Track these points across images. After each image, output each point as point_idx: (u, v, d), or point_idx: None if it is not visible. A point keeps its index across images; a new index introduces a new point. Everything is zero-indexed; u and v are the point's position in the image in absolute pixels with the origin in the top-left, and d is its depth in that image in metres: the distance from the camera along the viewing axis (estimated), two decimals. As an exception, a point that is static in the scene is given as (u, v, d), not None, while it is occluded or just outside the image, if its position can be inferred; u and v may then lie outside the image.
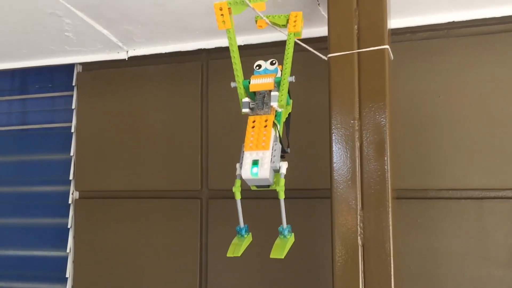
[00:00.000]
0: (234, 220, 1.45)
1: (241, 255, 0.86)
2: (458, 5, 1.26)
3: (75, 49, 1.55)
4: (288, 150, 0.87)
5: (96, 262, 1.65)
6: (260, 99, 0.87)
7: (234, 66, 0.91)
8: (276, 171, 0.82)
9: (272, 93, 0.85)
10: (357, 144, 0.98)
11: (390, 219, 0.95)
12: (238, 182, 0.84)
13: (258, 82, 0.87)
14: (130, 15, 1.31)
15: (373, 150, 0.96)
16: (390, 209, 0.95)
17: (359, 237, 0.96)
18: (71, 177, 1.71)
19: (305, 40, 1.39)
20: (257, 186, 0.84)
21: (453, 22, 1.31)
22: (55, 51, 1.57)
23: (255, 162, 0.79)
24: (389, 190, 0.95)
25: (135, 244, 1.61)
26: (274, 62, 0.91)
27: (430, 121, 1.34)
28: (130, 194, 1.64)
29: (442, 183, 1.33)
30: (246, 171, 0.79)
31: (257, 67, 0.91)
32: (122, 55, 1.57)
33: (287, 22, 0.92)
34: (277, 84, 0.88)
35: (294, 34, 0.91)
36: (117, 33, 1.43)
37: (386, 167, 0.96)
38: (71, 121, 1.73)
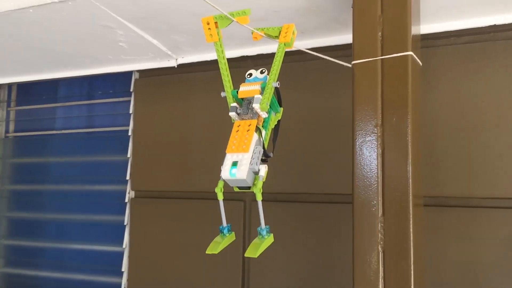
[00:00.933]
0: (276, 222, 1.50)
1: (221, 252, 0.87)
2: (503, 8, 1.22)
3: (130, 57, 1.66)
4: (271, 154, 0.88)
5: (149, 257, 1.75)
6: (246, 104, 0.89)
7: (223, 77, 0.93)
8: (256, 174, 0.84)
9: (256, 96, 0.87)
10: (379, 150, 0.98)
11: (411, 226, 0.94)
12: (220, 183, 0.86)
13: (245, 89, 0.89)
14: (175, 25, 1.39)
15: (395, 156, 0.96)
16: (411, 216, 0.94)
17: (379, 243, 0.96)
18: (127, 177, 1.82)
19: (331, 48, 1.42)
20: (239, 188, 0.85)
21: (498, 25, 1.27)
22: (112, 60, 1.69)
23: (234, 163, 0.81)
24: (411, 197, 0.94)
25: (184, 241, 1.69)
26: (263, 71, 0.93)
27: (474, 127, 1.30)
28: (181, 194, 1.72)
29: (487, 191, 1.28)
30: (226, 171, 0.81)
31: (248, 76, 0.94)
32: (172, 63, 1.66)
33: (280, 33, 0.94)
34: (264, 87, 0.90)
35: (284, 44, 0.93)
36: (166, 42, 1.52)
37: (407, 174, 0.95)
38: (128, 125, 1.85)
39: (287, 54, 1.51)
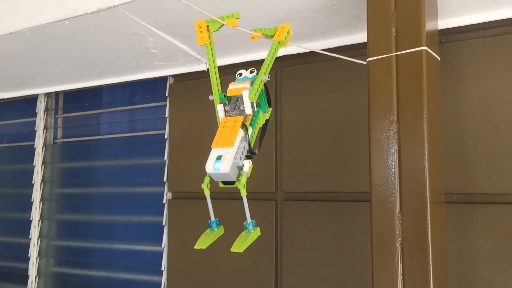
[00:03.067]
0: (309, 221, 1.52)
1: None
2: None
3: (163, 63, 1.72)
4: (257, 151, 0.90)
5: (187, 257, 1.80)
6: (234, 102, 0.91)
7: (211, 79, 0.95)
8: (240, 169, 0.85)
9: (244, 91, 0.89)
10: (395, 147, 0.98)
11: (429, 222, 0.93)
12: (207, 179, 0.88)
13: (234, 87, 0.92)
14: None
15: (411, 152, 0.96)
16: (428, 212, 0.94)
17: (397, 240, 0.96)
18: (165, 179, 1.88)
19: (353, 46, 1.42)
20: (223, 183, 0.86)
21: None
22: (146, 66, 1.76)
23: (218, 157, 0.82)
24: (428, 193, 0.94)
25: (218, 240, 1.72)
26: (253, 70, 0.94)
27: (505, 121, 1.26)
28: (215, 195, 1.76)
29: (521, 187, 1.24)
30: (209, 165, 0.83)
31: (238, 75, 0.95)
32: (202, 67, 1.71)
33: (275, 33, 0.96)
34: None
35: (279, 42, 0.94)
36: (194, 47, 1.57)
37: (424, 169, 0.94)
38: (165, 129, 1.91)
39: (310, 55, 1.56)
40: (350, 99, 1.48)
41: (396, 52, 0.99)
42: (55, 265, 2.24)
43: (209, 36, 0.96)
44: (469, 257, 1.27)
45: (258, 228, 0.88)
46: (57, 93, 2.33)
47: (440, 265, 0.97)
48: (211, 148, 0.86)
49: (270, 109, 0.96)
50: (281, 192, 1.61)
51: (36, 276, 2.24)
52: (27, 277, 2.25)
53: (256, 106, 0.91)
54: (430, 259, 0.92)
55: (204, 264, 1.75)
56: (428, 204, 0.94)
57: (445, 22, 1.28)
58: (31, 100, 2.35)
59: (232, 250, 0.84)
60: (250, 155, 0.88)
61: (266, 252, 1.61)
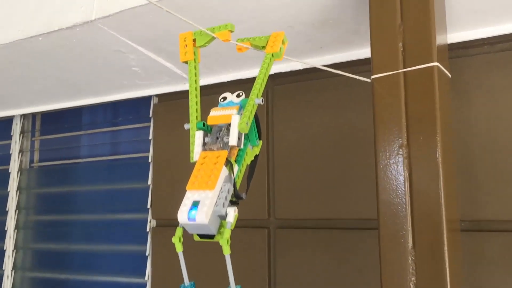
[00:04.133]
0: (304, 251, 1.40)
1: None
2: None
3: (145, 82, 1.61)
4: (244, 196, 0.71)
5: (172, 290, 1.67)
6: (216, 132, 0.74)
7: (190, 103, 0.79)
8: (223, 218, 0.67)
9: (233, 116, 0.73)
10: (406, 173, 0.88)
11: (447, 258, 0.83)
12: (179, 231, 0.70)
13: (216, 114, 0.75)
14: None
15: (424, 180, 0.86)
16: (446, 247, 0.83)
17: (411, 280, 0.85)
18: (148, 205, 1.76)
19: (352, 63, 1.33)
20: (200, 236, 0.68)
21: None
22: (127, 85, 1.65)
23: (195, 203, 0.64)
24: (444, 224, 0.83)
25: (205, 272, 1.60)
26: (240, 94, 0.78)
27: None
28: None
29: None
30: (183, 214, 0.65)
31: (222, 99, 0.79)
32: (188, 86, 1.60)
33: (267, 43, 0.81)
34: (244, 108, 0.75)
35: (272, 55, 0.79)
36: (180, 65, 1.46)
37: (440, 199, 0.84)
38: (149, 151, 1.79)
39: (304, 72, 1.46)
40: (347, 119, 1.38)
41: (404, 68, 0.89)
42: (30, 299, 2.08)
43: (194, 52, 0.82)
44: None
45: None
46: (34, 114, 2.19)
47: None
48: (185, 190, 0.68)
49: (261, 142, 0.79)
50: (274, 219, 1.50)
51: (9, 311, 2.08)
52: (0, 312, 2.10)
53: (244, 138, 0.74)
54: (449, 301, 0.82)
55: (191, 297, 1.62)
56: (445, 237, 0.83)
57: (449, 37, 1.19)
58: (6, 122, 2.21)
59: None
60: (235, 200, 0.70)
61: (258, 285, 1.49)
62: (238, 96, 0.78)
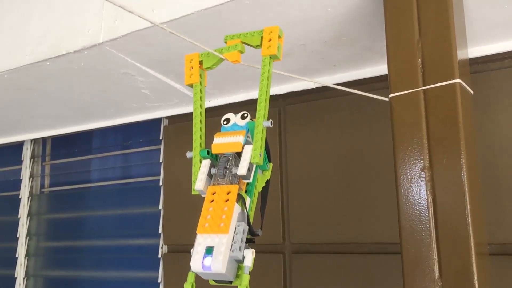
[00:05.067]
0: (321, 276, 1.34)
1: None
2: None
3: (155, 104, 1.58)
4: (260, 232, 0.65)
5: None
6: (223, 163, 0.67)
7: (194, 129, 0.72)
8: (240, 262, 0.61)
9: (245, 150, 0.65)
10: (430, 198, 0.82)
11: (477, 286, 0.77)
12: (191, 277, 0.63)
13: (221, 142, 0.68)
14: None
15: (450, 205, 0.80)
16: (475, 275, 0.77)
17: (438, 312, 0.79)
18: (160, 231, 1.71)
19: (367, 80, 1.28)
20: (216, 281, 0.62)
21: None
22: (137, 108, 1.62)
23: (209, 250, 0.59)
24: (473, 251, 0.77)
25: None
26: (245, 115, 0.71)
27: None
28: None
29: None
30: (197, 262, 0.59)
31: (225, 122, 0.72)
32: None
33: (262, 43, 0.71)
34: (251, 131, 0.68)
35: (270, 58, 0.69)
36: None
37: (467, 225, 0.78)
38: (159, 174, 1.76)
39: (317, 91, 1.41)
40: (363, 139, 1.33)
41: (424, 86, 0.84)
42: (41, 328, 2.04)
43: (200, 75, 0.76)
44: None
45: None
46: (44, 139, 2.18)
47: None
48: (197, 215, 0.62)
49: (271, 165, 0.72)
50: (289, 243, 1.44)
51: None
52: None
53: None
54: (481, 336, 0.75)
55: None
56: (474, 265, 0.77)
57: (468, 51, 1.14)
58: (16, 147, 2.19)
59: None
60: (251, 238, 0.64)
61: (274, 312, 1.43)
62: (242, 117, 0.71)
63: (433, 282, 0.80)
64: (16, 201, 2.14)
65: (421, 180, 0.83)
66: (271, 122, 0.67)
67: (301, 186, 1.43)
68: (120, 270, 1.85)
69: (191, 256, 0.61)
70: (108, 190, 1.98)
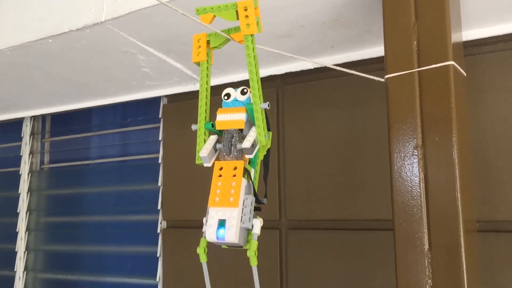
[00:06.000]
0: (316, 252, 1.39)
1: None
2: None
3: (155, 83, 1.61)
4: (265, 201, 0.72)
5: (183, 291, 1.67)
6: (228, 139, 0.71)
7: (199, 103, 0.77)
8: (249, 230, 0.68)
9: (248, 136, 0.70)
10: (421, 175, 0.86)
11: (464, 261, 0.81)
12: (203, 242, 0.70)
13: (225, 119, 0.72)
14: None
15: (440, 181, 0.84)
16: (463, 249, 0.81)
17: (427, 282, 0.84)
18: (159, 207, 1.75)
19: (365, 61, 1.31)
20: (228, 246, 0.70)
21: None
22: (137, 86, 1.64)
23: (221, 223, 0.66)
24: (461, 226, 0.82)
25: (217, 273, 1.59)
26: (246, 90, 0.74)
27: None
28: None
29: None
30: (211, 233, 0.66)
31: (225, 97, 0.75)
32: (198, 87, 1.59)
33: (239, 20, 0.71)
34: (250, 113, 0.72)
35: (252, 37, 0.71)
36: (190, 65, 1.46)
37: (456, 201, 0.83)
38: (159, 152, 1.79)
39: (315, 71, 1.44)
40: (360, 118, 1.36)
41: (419, 67, 0.87)
42: (42, 300, 2.09)
43: (207, 53, 0.79)
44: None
45: None
46: (43, 116, 2.20)
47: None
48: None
49: (271, 134, 0.75)
50: (286, 220, 1.49)
51: (21, 312, 2.09)
52: (12, 313, 2.10)
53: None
54: (467, 305, 0.80)
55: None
56: (462, 239, 0.82)
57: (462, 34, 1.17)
58: (16, 124, 2.22)
59: None
60: (258, 206, 0.71)
61: (270, 286, 1.47)
62: (242, 92, 0.74)
63: (423, 254, 0.84)
64: (16, 177, 2.18)
65: (414, 158, 0.87)
66: (268, 104, 0.71)
67: (298, 164, 1.47)
68: (120, 245, 1.89)
69: (203, 225, 0.68)
70: (107, 167, 2.02)
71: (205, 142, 0.75)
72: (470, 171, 0.93)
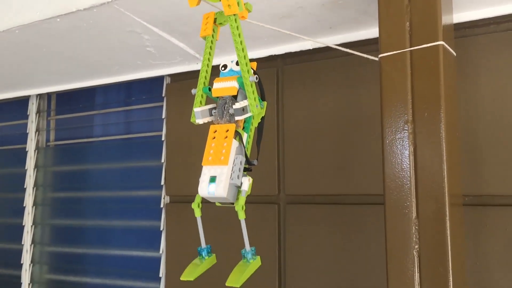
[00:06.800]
0: (313, 226, 1.46)
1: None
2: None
3: (159, 62, 1.65)
4: (256, 162, 0.77)
5: (186, 262, 1.72)
6: (221, 105, 0.78)
7: (200, 72, 0.85)
8: (239, 187, 0.74)
9: (238, 105, 0.76)
10: (411, 148, 0.92)
11: (449, 228, 0.88)
12: (198, 198, 0.78)
13: (220, 86, 0.80)
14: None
15: (428, 154, 0.90)
16: (448, 217, 0.88)
17: (414, 247, 0.90)
18: (162, 183, 1.82)
19: (362, 42, 1.36)
20: (221, 202, 0.76)
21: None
22: (141, 65, 1.69)
23: (212, 179, 0.72)
24: (447, 196, 0.88)
25: (217, 246, 1.66)
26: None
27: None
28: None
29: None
30: (203, 189, 0.72)
31: (223, 68, 0.84)
32: (200, 66, 1.64)
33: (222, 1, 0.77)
34: (242, 86, 0.79)
35: (235, 16, 0.77)
36: (193, 45, 1.50)
37: (443, 172, 0.89)
38: (162, 130, 1.85)
39: (314, 52, 1.49)
40: (356, 97, 1.42)
41: (411, 47, 0.92)
42: (49, 272, 2.16)
43: (214, 29, 0.86)
44: (483, 261, 1.21)
45: (259, 257, 0.78)
46: (49, 94, 2.25)
47: (460, 273, 0.91)
48: (197, 168, 0.75)
49: (265, 103, 0.82)
50: (284, 195, 1.55)
51: (29, 284, 2.16)
52: (19, 284, 2.18)
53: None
54: (450, 268, 0.87)
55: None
56: (447, 208, 0.88)
57: (455, 16, 1.22)
58: (22, 102, 2.27)
59: (227, 284, 0.74)
60: (248, 167, 0.77)
61: (268, 259, 1.54)
62: (237, 64, 0.81)
63: (411, 221, 0.91)
64: (23, 153, 2.24)
65: (404, 132, 0.92)
66: (256, 77, 0.78)
67: (296, 141, 1.53)
68: (124, 219, 1.96)
69: (198, 183, 0.74)
70: (112, 145, 2.07)
71: (196, 104, 0.83)
72: (458, 146, 0.98)
